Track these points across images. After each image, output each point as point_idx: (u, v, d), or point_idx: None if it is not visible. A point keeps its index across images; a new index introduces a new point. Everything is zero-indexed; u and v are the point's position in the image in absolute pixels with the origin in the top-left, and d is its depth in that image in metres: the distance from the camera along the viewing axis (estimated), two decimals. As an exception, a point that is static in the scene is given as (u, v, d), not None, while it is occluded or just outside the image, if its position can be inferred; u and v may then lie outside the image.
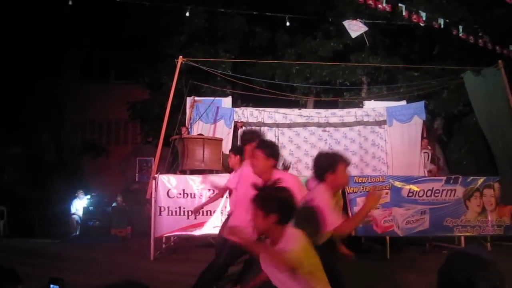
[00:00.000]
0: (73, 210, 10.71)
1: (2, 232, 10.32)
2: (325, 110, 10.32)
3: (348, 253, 3.27)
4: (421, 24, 8.22)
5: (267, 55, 11.95)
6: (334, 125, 10.01)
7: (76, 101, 15.46)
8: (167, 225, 6.85)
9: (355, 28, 9.05)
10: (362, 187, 6.93)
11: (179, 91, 8.64)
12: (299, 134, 9.98)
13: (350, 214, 6.21)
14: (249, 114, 9.86)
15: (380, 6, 7.69)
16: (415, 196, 7.09)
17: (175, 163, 8.48)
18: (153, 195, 6.85)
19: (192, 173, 7.22)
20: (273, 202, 2.23)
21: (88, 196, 11.25)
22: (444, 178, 7.48)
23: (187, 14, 9.14)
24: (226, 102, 10.12)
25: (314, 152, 9.34)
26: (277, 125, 9.96)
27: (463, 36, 8.13)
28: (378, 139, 9.92)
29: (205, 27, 11.73)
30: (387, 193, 6.97)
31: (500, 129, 7.69)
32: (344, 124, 9.99)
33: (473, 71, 8.16)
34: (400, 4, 7.87)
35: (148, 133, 13.75)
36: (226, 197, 5.59)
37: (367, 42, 9.99)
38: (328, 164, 2.91)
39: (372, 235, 7.14)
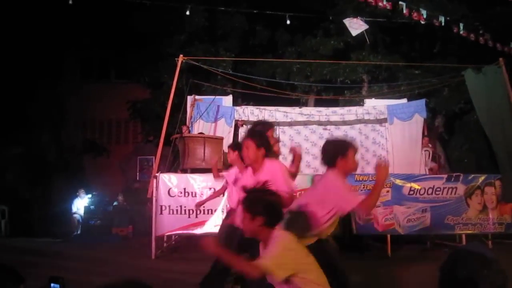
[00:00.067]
0: (74, 209, 10.73)
1: (4, 232, 10.35)
2: (325, 108, 10.30)
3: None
4: (422, 22, 8.22)
5: (267, 53, 11.92)
6: (335, 123, 10.00)
7: (77, 100, 15.46)
8: (168, 224, 6.86)
9: (356, 26, 9.05)
10: (363, 185, 6.92)
11: (179, 90, 8.64)
12: (300, 132, 9.98)
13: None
14: (250, 113, 9.85)
15: (380, 4, 7.69)
16: (416, 194, 7.09)
17: (176, 162, 8.49)
18: (154, 194, 6.86)
19: (193, 172, 7.22)
20: (260, 205, 2.27)
21: (89, 195, 11.28)
22: (445, 176, 7.47)
23: (188, 13, 9.13)
24: (227, 100, 10.11)
25: (315, 151, 9.46)
26: (278, 124, 9.91)
27: (463, 34, 8.12)
28: (379, 137, 9.92)
29: (205, 25, 11.70)
30: (388, 191, 6.97)
31: (501, 126, 7.69)
32: (345, 122, 9.98)
33: (474, 69, 8.14)
34: (400, 2, 7.86)
35: (149, 132, 13.73)
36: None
37: (367, 40, 9.99)
38: (339, 149, 2.96)
39: (373, 233, 7.14)
